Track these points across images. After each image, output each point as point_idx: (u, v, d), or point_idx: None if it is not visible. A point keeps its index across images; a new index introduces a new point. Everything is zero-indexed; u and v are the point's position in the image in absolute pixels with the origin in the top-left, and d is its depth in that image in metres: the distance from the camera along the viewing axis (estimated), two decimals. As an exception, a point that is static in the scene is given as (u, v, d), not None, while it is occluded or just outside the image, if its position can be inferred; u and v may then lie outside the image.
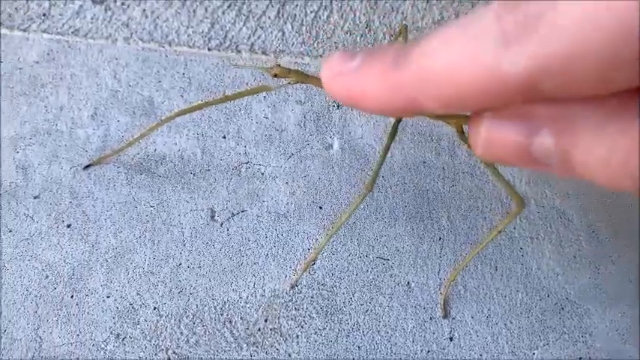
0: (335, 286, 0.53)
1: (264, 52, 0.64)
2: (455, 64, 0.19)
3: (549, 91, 0.17)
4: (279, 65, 0.43)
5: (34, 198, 0.54)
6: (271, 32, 0.64)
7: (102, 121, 0.58)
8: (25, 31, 0.62)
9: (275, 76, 0.43)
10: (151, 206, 0.55)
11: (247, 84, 0.61)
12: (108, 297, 0.51)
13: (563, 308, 0.55)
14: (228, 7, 0.65)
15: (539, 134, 0.20)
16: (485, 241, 0.48)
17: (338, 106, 0.61)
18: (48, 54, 0.61)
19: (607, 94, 0.18)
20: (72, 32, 0.62)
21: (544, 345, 0.53)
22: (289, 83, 0.44)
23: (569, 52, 0.16)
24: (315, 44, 0.64)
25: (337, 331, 0.52)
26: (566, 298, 0.55)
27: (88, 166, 0.56)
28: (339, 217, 0.55)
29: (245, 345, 0.50)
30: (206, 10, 0.64)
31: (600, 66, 0.16)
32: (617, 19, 0.16)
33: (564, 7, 0.16)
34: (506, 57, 0.17)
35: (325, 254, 0.54)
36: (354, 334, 0.52)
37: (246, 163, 0.58)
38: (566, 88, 0.17)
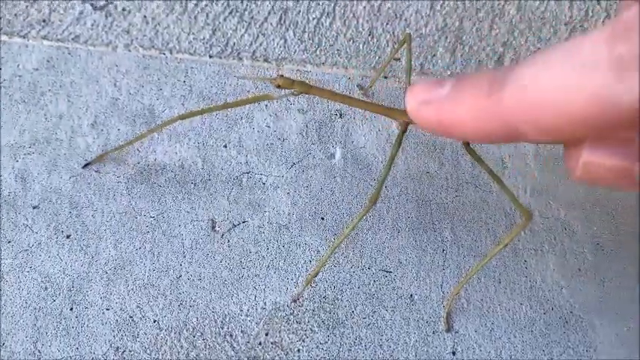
0: (337, 299, 0.53)
1: (265, 60, 0.63)
2: (561, 91, 0.18)
3: None
4: (282, 76, 0.43)
5: (34, 208, 0.54)
6: (273, 39, 0.64)
7: (102, 130, 0.58)
8: (24, 37, 0.61)
9: (278, 86, 0.43)
10: (151, 217, 0.54)
11: (249, 92, 0.61)
12: (107, 309, 0.51)
13: (567, 322, 0.54)
14: (230, 13, 0.64)
15: None
16: (490, 255, 0.48)
17: (340, 115, 0.61)
18: (48, 61, 0.60)
19: None
20: (72, 39, 0.62)
21: (548, 360, 0.52)
22: (293, 94, 0.43)
23: None
24: (318, 51, 0.64)
25: (339, 345, 0.51)
26: (571, 312, 0.54)
27: (86, 165, 0.55)
28: (343, 230, 0.55)
29: (246, 359, 0.50)
30: (207, 16, 0.64)
31: None
32: None
33: None
34: (621, 85, 0.17)
35: (327, 266, 0.54)
36: (356, 348, 0.51)
37: (248, 173, 0.57)
38: None
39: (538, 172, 0.60)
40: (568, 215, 0.58)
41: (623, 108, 0.17)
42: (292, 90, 0.43)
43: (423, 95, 0.24)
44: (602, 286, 0.56)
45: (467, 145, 0.46)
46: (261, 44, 0.63)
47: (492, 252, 0.47)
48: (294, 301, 0.52)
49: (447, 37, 0.65)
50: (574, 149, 0.22)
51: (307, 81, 0.45)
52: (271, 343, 0.51)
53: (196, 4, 0.64)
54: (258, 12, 0.64)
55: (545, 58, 0.19)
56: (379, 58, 0.64)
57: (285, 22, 0.64)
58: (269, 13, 0.64)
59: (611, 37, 0.17)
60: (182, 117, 0.47)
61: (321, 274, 0.53)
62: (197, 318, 0.51)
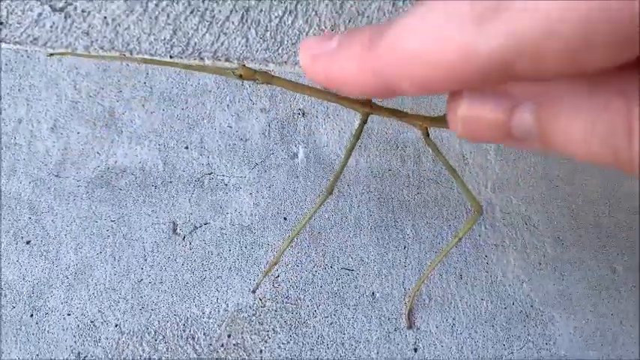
0: (299, 298, 0.53)
1: (227, 59, 0.63)
2: (428, 44, 0.19)
3: (524, 71, 0.17)
4: (245, 66, 0.42)
5: (-8, 215, 0.53)
6: (235, 38, 0.63)
7: (62, 134, 0.57)
8: (-19, 41, 0.60)
9: (240, 77, 0.42)
10: (112, 221, 0.54)
11: (210, 91, 0.61)
12: (68, 315, 0.51)
13: (527, 316, 0.55)
14: (191, 13, 0.64)
15: (519, 110, 0.20)
16: (446, 250, 0.48)
17: (303, 114, 0.61)
18: (6, 64, 0.60)
19: (583, 74, 0.18)
20: (31, 41, 0.61)
21: (509, 354, 0.53)
22: (255, 83, 0.43)
23: (541, 31, 0.16)
24: (280, 50, 0.64)
25: (301, 344, 0.51)
26: (531, 306, 0.55)
27: (52, 54, 0.54)
28: (300, 221, 0.55)
29: (207, 361, 0.50)
30: (168, 16, 0.63)
31: (572, 46, 0.16)
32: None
33: None
34: (480, 36, 0.17)
35: (289, 266, 0.54)
36: (319, 347, 0.51)
37: (210, 174, 0.57)
38: (540, 68, 0.17)
39: (499, 168, 0.60)
40: (529, 210, 0.59)
41: (484, 59, 0.17)
42: (255, 81, 0.43)
43: (313, 50, 0.24)
44: (561, 280, 0.57)
45: (426, 136, 0.46)
46: (222, 44, 0.63)
47: (447, 247, 0.47)
48: (253, 291, 0.52)
49: (409, 34, 0.65)
50: (453, 105, 0.22)
51: (270, 72, 0.45)
52: (234, 345, 0.51)
53: (157, 5, 0.63)
54: (220, 11, 0.64)
55: (419, 11, 0.19)
56: (341, 55, 0.64)
57: (246, 20, 0.64)
58: (231, 12, 0.64)
59: None
60: (145, 61, 0.45)
61: (283, 274, 0.54)
62: (159, 321, 0.51)
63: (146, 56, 0.62)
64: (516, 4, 0.16)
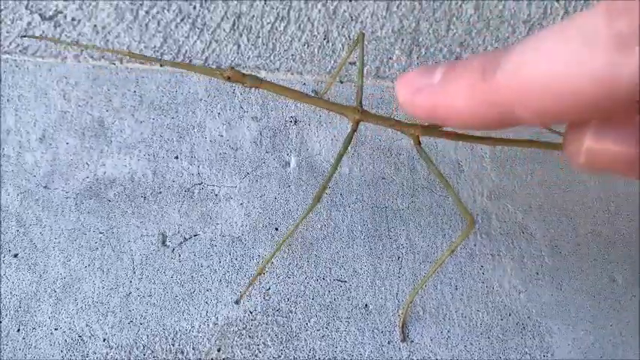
0: (290, 311, 0.52)
1: (219, 67, 0.62)
2: (558, 72, 0.18)
3: None
4: (233, 68, 0.41)
5: (-21, 228, 0.52)
6: (226, 45, 0.63)
7: (50, 144, 0.56)
8: (-31, 51, 0.60)
9: (228, 79, 0.41)
10: (101, 232, 0.53)
11: (201, 100, 0.60)
12: (56, 329, 0.50)
13: (524, 327, 0.53)
14: (182, 20, 0.63)
15: None
16: (439, 262, 0.47)
17: (295, 122, 0.60)
18: (-6, 74, 0.59)
19: None
20: (20, 51, 0.60)
21: (505, 366, 0.52)
22: (244, 86, 0.42)
23: None
24: (272, 57, 0.63)
25: (292, 359, 0.50)
26: (528, 317, 0.54)
27: (24, 36, 0.52)
28: (288, 229, 0.54)
29: (197, 376, 0.49)
30: (159, 24, 0.62)
31: None
32: None
33: None
34: (622, 63, 0.16)
35: (281, 277, 0.53)
36: (310, 361, 0.50)
37: (200, 184, 0.56)
38: None
39: (495, 175, 0.59)
40: (526, 218, 0.58)
41: (625, 84, 0.16)
42: (244, 84, 0.42)
43: (415, 84, 0.23)
44: (559, 290, 0.55)
45: (418, 144, 0.45)
46: (214, 51, 0.62)
47: (441, 259, 0.46)
48: (236, 302, 0.51)
49: (403, 40, 0.64)
50: (575, 134, 0.21)
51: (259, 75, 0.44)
52: (223, 359, 0.50)
53: (147, 12, 0.62)
54: (211, 18, 0.63)
55: (539, 39, 0.18)
56: (334, 62, 0.63)
57: (238, 27, 0.63)
58: (222, 18, 0.63)
59: (608, 12, 0.17)
60: (132, 55, 0.44)
61: (274, 285, 0.53)
62: (148, 335, 0.50)
63: (136, 64, 0.61)
64: None
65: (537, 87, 0.18)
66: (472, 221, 0.43)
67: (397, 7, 0.65)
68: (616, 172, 0.21)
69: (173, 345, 0.50)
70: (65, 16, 0.62)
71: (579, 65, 0.17)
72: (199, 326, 0.51)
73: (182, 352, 0.50)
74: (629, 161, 0.20)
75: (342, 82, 0.62)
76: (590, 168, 0.21)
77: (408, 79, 0.24)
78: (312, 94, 0.61)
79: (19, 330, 0.49)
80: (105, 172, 0.56)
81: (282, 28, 0.64)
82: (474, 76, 0.21)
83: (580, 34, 0.17)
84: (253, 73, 0.42)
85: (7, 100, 0.58)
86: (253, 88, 0.43)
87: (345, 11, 0.65)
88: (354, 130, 0.45)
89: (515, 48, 0.19)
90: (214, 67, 0.62)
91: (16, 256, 0.52)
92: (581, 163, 0.21)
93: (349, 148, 0.46)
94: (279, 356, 0.50)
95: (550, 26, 0.18)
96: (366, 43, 0.63)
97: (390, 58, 0.64)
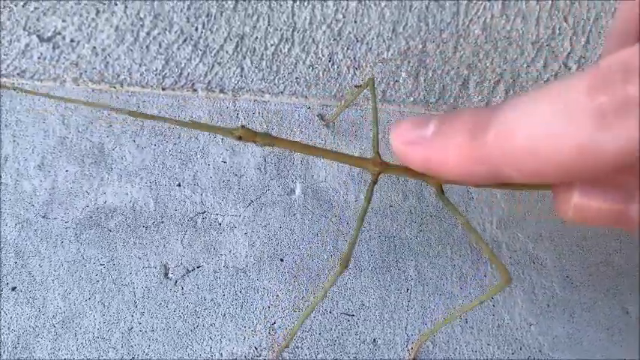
0: (297, 347, 0.51)
1: (222, 90, 0.60)
2: (545, 139, 0.19)
3: None
4: (244, 127, 0.39)
5: (-24, 260, 0.51)
6: (229, 68, 0.61)
7: (49, 172, 0.55)
8: (-34, 74, 0.58)
9: (239, 138, 0.39)
10: (101, 264, 0.52)
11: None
12: (55, 366, 0.48)
13: (536, 362, 0.52)
14: (184, 42, 0.61)
15: (636, 200, 0.21)
16: (461, 311, 0.46)
17: (300, 148, 0.58)
18: (-9, 99, 0.57)
19: None
20: (17, 74, 0.59)
21: (516, 403, 0.51)
22: (256, 144, 0.40)
23: None
24: (276, 80, 0.61)
25: (299, 396, 0.49)
26: (540, 351, 0.53)
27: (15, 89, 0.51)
28: (314, 298, 0.52)
29: (201, 416, 0.48)
30: (160, 45, 0.61)
31: None
32: None
33: None
34: (605, 135, 0.17)
35: (286, 312, 0.52)
36: (317, 398, 0.49)
37: (203, 213, 0.55)
38: None
39: (505, 203, 0.58)
40: (536, 248, 0.56)
41: (608, 156, 0.17)
42: (256, 143, 0.40)
43: (408, 135, 0.24)
44: (571, 322, 0.54)
45: (441, 193, 0.43)
46: (216, 74, 0.61)
47: (465, 308, 0.45)
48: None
49: (409, 62, 0.63)
50: (564, 191, 0.22)
51: (270, 132, 0.42)
52: (228, 397, 0.48)
53: (148, 33, 0.61)
54: (214, 39, 0.62)
55: (529, 103, 0.19)
56: (340, 85, 0.61)
57: (241, 49, 0.62)
58: (225, 40, 0.62)
59: (591, 86, 0.17)
60: (134, 115, 0.41)
61: (280, 320, 0.51)
62: (150, 372, 0.49)
63: (137, 88, 0.59)
64: None
65: (525, 151, 0.19)
66: (508, 279, 0.40)
67: (403, 28, 0.64)
68: (605, 225, 0.22)
69: (176, 383, 0.48)
70: (64, 38, 0.61)
71: (564, 136, 0.18)
72: (203, 363, 0.49)
73: (185, 390, 0.48)
74: (617, 216, 0.21)
75: (347, 107, 0.61)
76: (579, 222, 0.23)
77: (401, 131, 0.24)
78: (317, 118, 0.60)
79: (17, 367, 0.48)
80: (105, 201, 0.54)
81: (286, 50, 0.62)
82: (464, 134, 0.22)
83: (565, 104, 0.18)
84: (266, 132, 0.39)
85: (5, 125, 0.56)
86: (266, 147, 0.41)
87: (350, 32, 0.63)
88: (374, 182, 0.44)
89: (504, 109, 0.20)
90: (217, 90, 0.60)
91: (14, 289, 0.51)
92: (570, 217, 0.23)
93: (371, 198, 0.44)
94: (286, 394, 0.49)
95: (539, 88, 0.19)
96: (371, 65, 0.62)
97: (396, 81, 0.62)
